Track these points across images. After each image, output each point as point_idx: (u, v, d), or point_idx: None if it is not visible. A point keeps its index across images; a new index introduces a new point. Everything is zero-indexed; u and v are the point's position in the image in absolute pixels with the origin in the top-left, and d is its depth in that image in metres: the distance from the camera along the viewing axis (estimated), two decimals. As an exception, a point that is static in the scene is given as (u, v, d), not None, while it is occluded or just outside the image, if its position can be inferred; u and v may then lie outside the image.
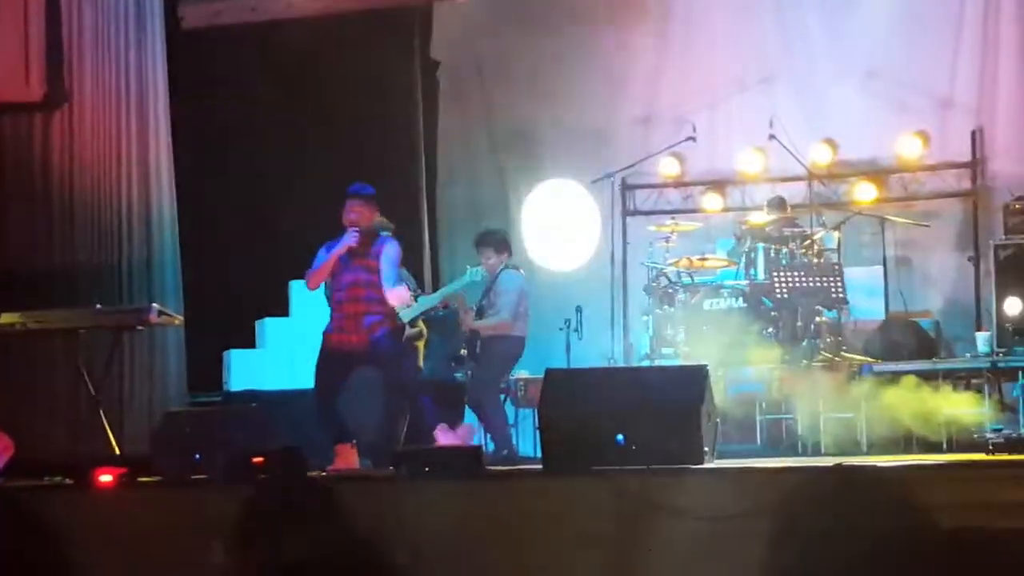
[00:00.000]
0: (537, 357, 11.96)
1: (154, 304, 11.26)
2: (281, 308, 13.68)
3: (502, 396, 12.00)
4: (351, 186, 10.53)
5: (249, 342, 13.55)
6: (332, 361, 10.22)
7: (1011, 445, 9.26)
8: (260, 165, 13.79)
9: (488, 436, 11.53)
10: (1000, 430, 10.45)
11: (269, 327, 13.52)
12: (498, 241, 11.61)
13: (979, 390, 11.46)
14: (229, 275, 13.27)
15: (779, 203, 12.94)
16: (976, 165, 13.60)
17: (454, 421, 11.84)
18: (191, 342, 13.10)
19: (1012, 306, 11.72)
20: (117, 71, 13.19)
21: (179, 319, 11.76)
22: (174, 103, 13.46)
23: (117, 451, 10.21)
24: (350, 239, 10.22)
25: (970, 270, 13.33)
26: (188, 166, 13.53)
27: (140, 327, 11.32)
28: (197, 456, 8.50)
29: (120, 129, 13.16)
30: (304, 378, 12.41)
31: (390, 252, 10.31)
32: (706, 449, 7.34)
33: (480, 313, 11.45)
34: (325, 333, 10.29)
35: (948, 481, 6.48)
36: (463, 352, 11.68)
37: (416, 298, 10.98)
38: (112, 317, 11.17)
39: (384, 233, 10.53)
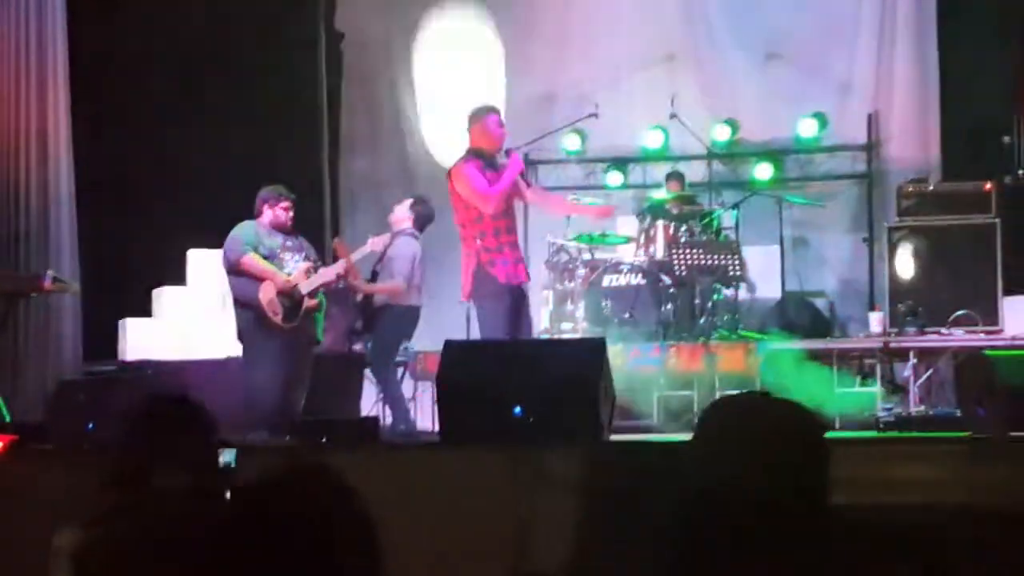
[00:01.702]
0: (437, 330, 11.96)
1: (49, 271, 11.17)
2: (178, 278, 13.58)
3: (401, 369, 12.02)
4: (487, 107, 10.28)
5: (145, 311, 13.44)
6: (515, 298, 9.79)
7: (900, 423, 9.45)
8: (159, 133, 13.68)
9: (386, 408, 11.55)
10: (890, 409, 10.65)
11: (166, 296, 13.42)
12: (424, 202, 11.67)
13: (871, 369, 11.64)
14: (126, 243, 13.16)
15: (679, 178, 13.07)
16: (872, 148, 13.79)
17: (353, 394, 11.90)
18: (87, 310, 12.99)
19: (905, 286, 11.92)
20: (17, 36, 13.03)
21: (75, 286, 11.67)
22: (73, 69, 13.32)
23: (8, 418, 10.12)
24: (521, 163, 10.02)
25: (864, 251, 13.52)
26: (86, 132, 13.40)
27: (34, 293, 11.23)
28: (90, 425, 8.47)
29: (20, 92, 13.00)
30: (201, 348, 12.40)
31: None
32: (603, 423, 7.40)
33: (373, 278, 11.49)
34: (499, 269, 9.70)
35: (838, 457, 6.58)
36: (359, 324, 11.72)
37: (316, 269, 10.98)
38: (6, 283, 11.06)
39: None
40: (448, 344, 8.07)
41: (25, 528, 6.82)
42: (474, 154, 9.85)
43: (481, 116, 10.05)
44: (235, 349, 11.02)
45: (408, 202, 11.79)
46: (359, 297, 11.70)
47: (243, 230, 10.75)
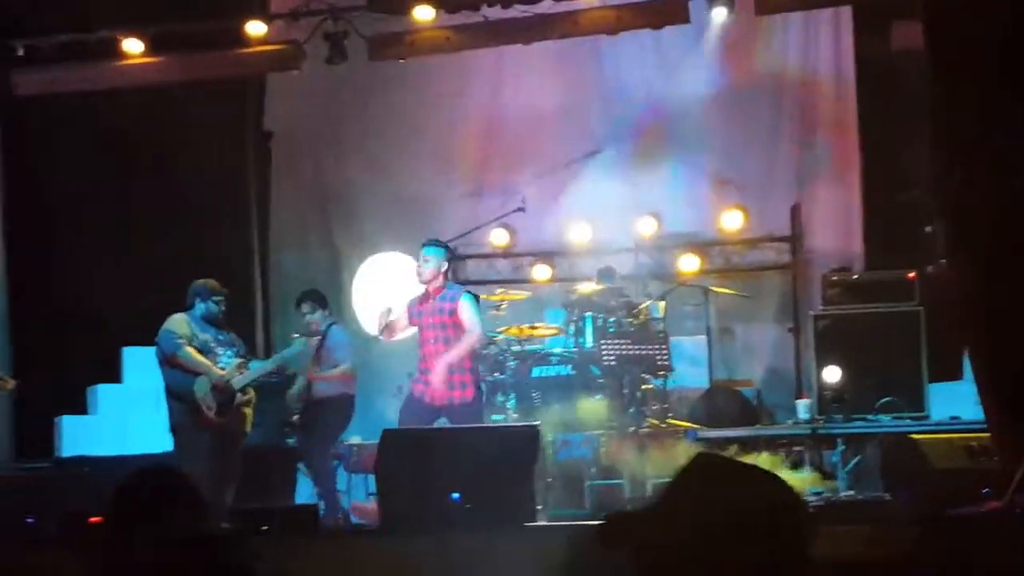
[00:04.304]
0: (371, 423, 12.05)
1: (-13, 368, 11.21)
2: (114, 375, 13.62)
3: (336, 461, 12.07)
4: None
5: (81, 408, 13.45)
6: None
7: (830, 508, 9.58)
8: (94, 230, 13.73)
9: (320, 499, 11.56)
10: (820, 494, 10.77)
11: (101, 393, 13.43)
12: (318, 297, 11.94)
13: (800, 456, 11.77)
14: (61, 341, 13.14)
15: (608, 272, 13.22)
16: (795, 239, 13.97)
17: (286, 487, 11.93)
18: (21, 408, 12.97)
19: (831, 374, 12.08)
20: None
21: (12, 383, 11.66)
22: (7, 168, 13.39)
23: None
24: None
25: (790, 340, 13.69)
26: (21, 231, 13.44)
27: (-29, 391, 11.23)
28: (29, 519, 8.48)
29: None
30: (137, 444, 12.41)
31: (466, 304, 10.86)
32: (539, 507, 7.50)
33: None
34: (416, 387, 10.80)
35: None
36: (295, 418, 11.81)
37: (248, 364, 11.05)
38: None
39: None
40: (386, 433, 8.18)
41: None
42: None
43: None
44: (169, 444, 11.04)
45: (306, 306, 12.02)
46: (295, 392, 11.83)
47: (177, 323, 10.80)
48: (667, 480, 3.06)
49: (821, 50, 14.02)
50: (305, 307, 11.96)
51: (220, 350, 10.90)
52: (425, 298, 10.95)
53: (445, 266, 11.03)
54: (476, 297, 11.26)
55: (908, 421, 11.63)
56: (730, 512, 2.87)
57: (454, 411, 10.58)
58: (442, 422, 10.56)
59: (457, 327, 10.79)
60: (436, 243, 11.12)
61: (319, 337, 11.72)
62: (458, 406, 10.62)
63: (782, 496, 2.96)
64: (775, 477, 3.02)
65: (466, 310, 10.83)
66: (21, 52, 13.48)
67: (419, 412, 10.58)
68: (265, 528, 7.49)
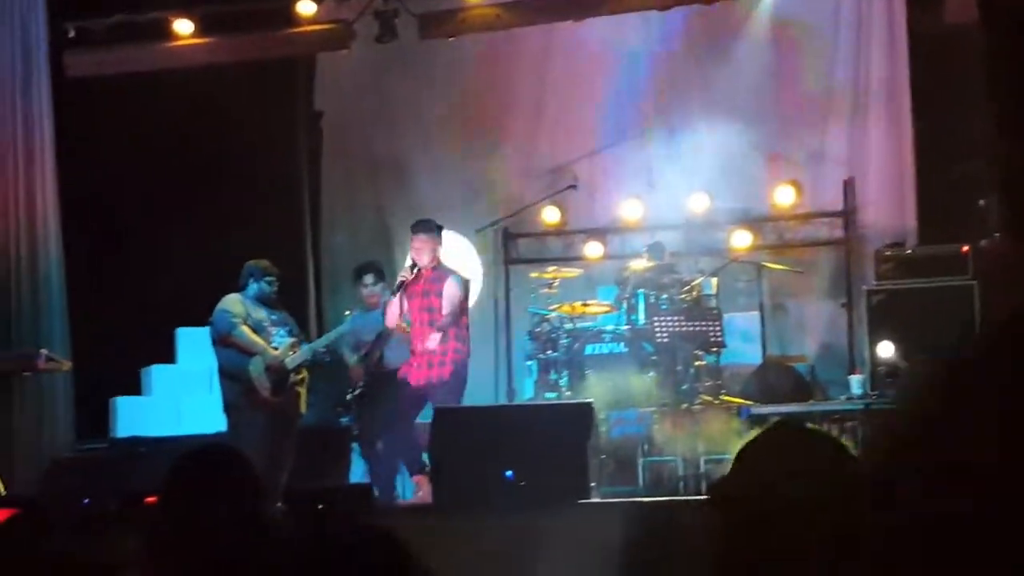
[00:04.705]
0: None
1: (42, 350, 11.27)
2: (167, 355, 13.70)
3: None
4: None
5: (135, 389, 13.55)
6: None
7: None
8: (146, 213, 13.80)
9: (372, 480, 11.51)
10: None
11: (156, 374, 13.53)
12: (378, 269, 11.94)
13: (853, 432, 11.72)
14: (115, 322, 13.24)
15: (658, 248, 13.19)
16: (848, 214, 13.90)
17: (341, 467, 11.94)
18: (77, 389, 13.08)
19: (885, 349, 12.02)
20: (3, 118, 13.18)
21: (67, 365, 11.76)
22: (61, 150, 13.48)
23: (3, 492, 10.17)
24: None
25: (843, 315, 13.63)
26: (75, 213, 13.54)
27: (28, 373, 11.32)
28: (85, 500, 8.55)
29: (7, 176, 13.13)
30: (191, 425, 12.49)
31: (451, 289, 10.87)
32: (592, 484, 7.51)
33: (372, 355, 11.65)
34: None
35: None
36: (350, 396, 11.80)
37: (301, 344, 11.09)
38: (1, 363, 11.15)
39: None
40: (439, 412, 8.19)
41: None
42: None
43: None
44: (223, 424, 11.09)
45: (369, 277, 11.99)
46: (353, 368, 11.83)
47: (231, 303, 10.87)
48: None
49: (874, 23, 13.92)
50: (368, 278, 11.94)
51: (273, 330, 10.96)
52: (417, 279, 10.96)
53: (440, 248, 11.07)
54: (465, 281, 11.26)
55: (963, 395, 11.52)
56: (794, 476, 2.90)
57: (432, 391, 10.56)
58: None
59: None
60: (429, 224, 11.14)
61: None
62: (436, 385, 10.59)
63: (843, 465, 2.98)
64: (842, 447, 3.04)
65: (447, 294, 10.87)
66: (72, 34, 13.58)
67: (405, 393, 10.67)
68: (320, 507, 7.54)
